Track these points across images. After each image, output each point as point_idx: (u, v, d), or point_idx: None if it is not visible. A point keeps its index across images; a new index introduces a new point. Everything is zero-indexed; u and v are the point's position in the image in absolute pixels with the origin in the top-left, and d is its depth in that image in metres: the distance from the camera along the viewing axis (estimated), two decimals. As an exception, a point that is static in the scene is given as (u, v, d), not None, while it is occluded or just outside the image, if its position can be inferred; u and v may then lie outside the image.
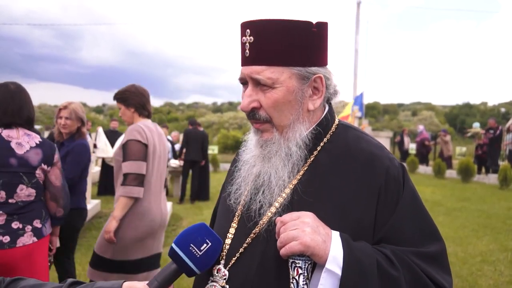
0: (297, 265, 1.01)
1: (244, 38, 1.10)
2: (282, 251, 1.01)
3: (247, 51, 1.09)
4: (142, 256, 3.05)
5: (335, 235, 1.04)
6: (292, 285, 1.01)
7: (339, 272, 0.99)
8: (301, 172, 1.15)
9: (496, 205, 9.56)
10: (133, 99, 3.12)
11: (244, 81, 1.15)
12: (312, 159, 1.16)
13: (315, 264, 1.03)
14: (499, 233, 7.02)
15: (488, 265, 5.42)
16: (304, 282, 1.00)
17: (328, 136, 1.20)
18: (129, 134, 2.96)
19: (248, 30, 1.08)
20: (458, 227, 7.41)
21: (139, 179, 2.88)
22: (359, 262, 1.00)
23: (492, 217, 8.27)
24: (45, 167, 2.56)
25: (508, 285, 4.77)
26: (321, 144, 1.19)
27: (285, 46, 1.07)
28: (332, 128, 1.22)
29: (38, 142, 2.55)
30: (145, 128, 3.03)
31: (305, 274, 1.01)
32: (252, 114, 1.14)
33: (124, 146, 2.94)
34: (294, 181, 1.14)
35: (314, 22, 1.09)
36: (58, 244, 2.91)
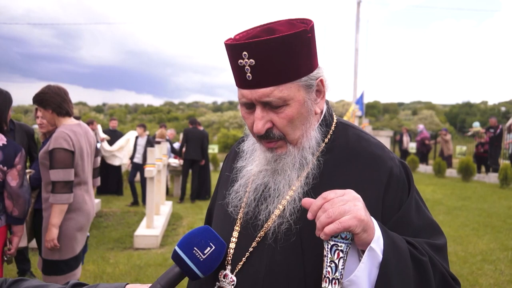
0: (339, 248, 0.94)
1: (241, 61, 1.03)
2: (332, 227, 0.91)
3: (249, 74, 1.04)
4: (81, 248, 3.19)
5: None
6: (329, 269, 0.94)
7: (379, 252, 0.96)
8: (305, 174, 1.14)
9: (496, 204, 9.56)
10: (48, 100, 3.07)
11: (249, 105, 1.10)
12: (315, 159, 1.15)
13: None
14: (500, 232, 7.02)
15: (489, 264, 5.42)
16: (343, 267, 0.94)
17: (329, 136, 1.20)
18: (55, 142, 2.96)
19: (245, 53, 1.02)
20: (459, 226, 7.42)
21: (68, 186, 2.97)
22: (395, 244, 0.99)
23: (492, 216, 8.28)
24: (4, 168, 2.68)
25: (509, 284, 4.77)
26: (323, 144, 1.18)
27: (289, 62, 1.03)
28: (332, 127, 1.22)
29: (1, 145, 2.68)
30: (71, 134, 3.03)
31: (345, 257, 0.95)
32: (266, 134, 1.10)
33: (50, 153, 2.96)
34: (298, 183, 1.13)
35: (307, 27, 1.05)
36: (16, 244, 2.87)
